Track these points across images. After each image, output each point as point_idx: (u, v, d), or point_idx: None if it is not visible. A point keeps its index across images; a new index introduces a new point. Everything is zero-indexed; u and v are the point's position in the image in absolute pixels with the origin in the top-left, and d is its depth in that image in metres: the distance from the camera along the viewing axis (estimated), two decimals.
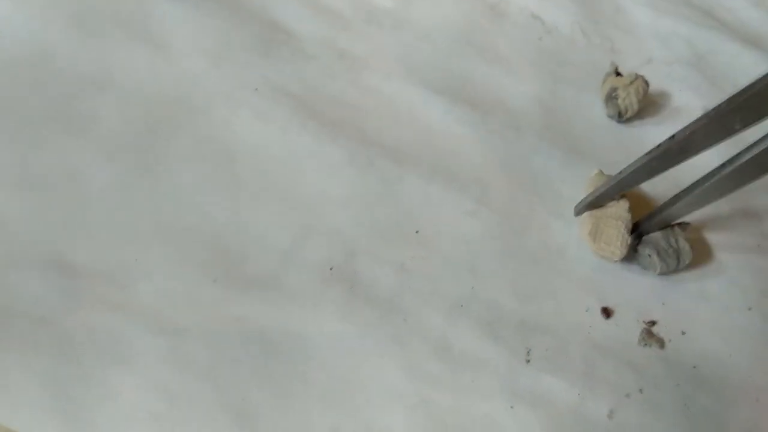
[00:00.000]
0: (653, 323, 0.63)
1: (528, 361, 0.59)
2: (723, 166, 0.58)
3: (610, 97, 0.78)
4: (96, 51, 0.74)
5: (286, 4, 0.84)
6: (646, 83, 0.78)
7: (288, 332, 0.57)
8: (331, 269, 0.62)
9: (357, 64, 0.79)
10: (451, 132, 0.75)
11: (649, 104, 0.81)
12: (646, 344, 0.62)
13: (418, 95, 0.78)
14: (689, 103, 0.83)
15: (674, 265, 0.65)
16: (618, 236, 0.64)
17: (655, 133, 0.79)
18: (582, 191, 0.70)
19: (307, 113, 0.73)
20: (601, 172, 0.71)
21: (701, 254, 0.68)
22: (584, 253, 0.67)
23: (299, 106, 0.73)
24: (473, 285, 0.63)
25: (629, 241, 0.64)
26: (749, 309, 0.65)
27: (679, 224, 0.66)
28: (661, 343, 0.62)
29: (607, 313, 0.64)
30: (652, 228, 0.66)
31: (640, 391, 0.59)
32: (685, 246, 0.66)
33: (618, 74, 0.80)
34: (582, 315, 0.63)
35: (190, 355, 0.55)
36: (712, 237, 0.70)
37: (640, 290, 0.65)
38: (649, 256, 0.65)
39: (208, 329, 0.56)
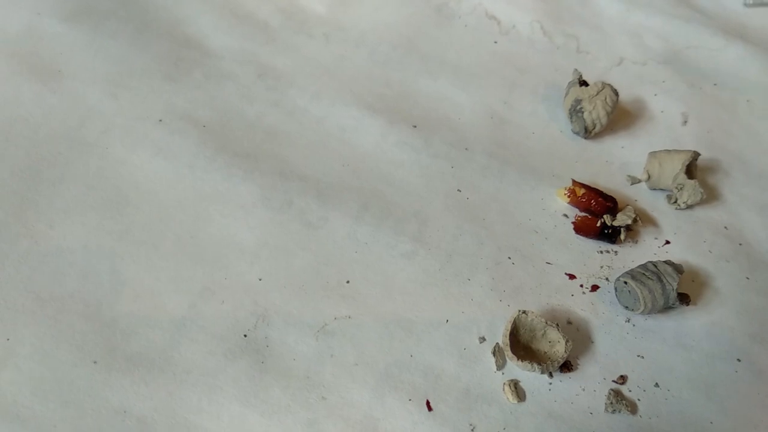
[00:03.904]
0: (623, 379, 0.54)
1: None
2: None
3: (575, 111, 0.68)
4: None
5: (202, 15, 0.74)
6: (615, 93, 0.68)
7: (177, 423, 0.47)
8: (245, 336, 0.52)
9: (281, 83, 0.69)
10: (387, 158, 0.65)
11: (620, 114, 0.71)
12: (614, 410, 0.52)
13: (350, 115, 0.68)
14: (666, 109, 0.73)
15: (659, 290, 0.55)
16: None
17: (629, 147, 0.69)
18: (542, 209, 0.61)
19: (218, 144, 0.63)
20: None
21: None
22: None
23: (209, 136, 0.63)
24: (408, 347, 0.53)
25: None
26: (738, 360, 0.55)
27: (667, 261, 0.57)
28: (633, 408, 0.52)
29: (569, 367, 0.54)
30: None
31: None
32: (666, 268, 0.56)
33: (582, 83, 0.69)
34: (537, 376, 0.53)
35: None
36: (692, 269, 0.60)
37: (608, 339, 0.55)
38: (625, 283, 0.56)
39: (80, 427, 0.47)
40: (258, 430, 0.47)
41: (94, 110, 0.64)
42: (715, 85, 0.75)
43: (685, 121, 0.72)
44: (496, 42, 0.78)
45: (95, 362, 0.49)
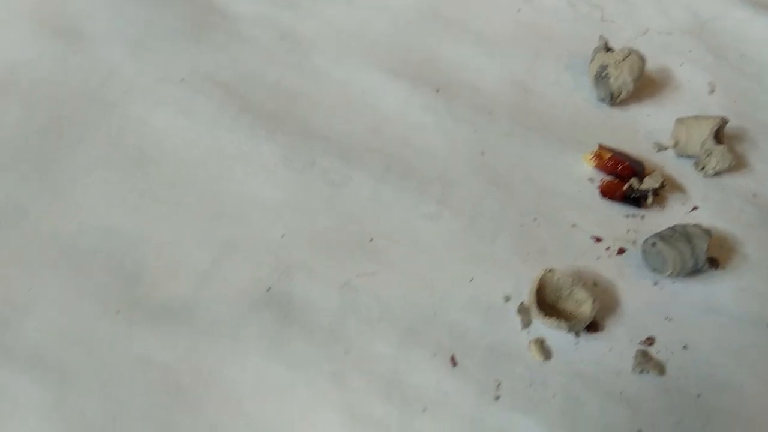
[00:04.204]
0: (651, 341, 0.53)
1: (497, 397, 0.48)
2: None
3: (600, 77, 0.67)
4: None
5: None
6: (642, 59, 0.67)
7: (201, 373, 0.47)
8: (268, 290, 0.51)
9: (302, 46, 0.69)
10: (410, 121, 0.64)
11: (646, 83, 0.69)
12: (642, 370, 0.51)
13: (373, 79, 0.67)
14: (693, 79, 0.72)
15: (688, 252, 0.54)
16: None
17: (654, 115, 0.68)
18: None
19: (240, 105, 0.62)
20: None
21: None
22: None
23: (231, 97, 0.63)
24: (432, 305, 0.52)
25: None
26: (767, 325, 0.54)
27: (695, 225, 0.56)
28: (661, 369, 0.51)
29: (595, 327, 0.53)
30: None
31: None
32: (695, 230, 0.55)
33: (608, 50, 0.68)
34: (563, 336, 0.52)
35: (79, 409, 0.45)
36: (721, 234, 0.59)
37: (635, 302, 0.55)
38: (653, 245, 0.55)
39: (102, 374, 0.46)
40: (282, 381, 0.47)
41: (115, 70, 0.64)
42: (742, 55, 0.74)
43: (712, 91, 0.71)
44: (519, 10, 0.77)
45: (118, 312, 0.49)
